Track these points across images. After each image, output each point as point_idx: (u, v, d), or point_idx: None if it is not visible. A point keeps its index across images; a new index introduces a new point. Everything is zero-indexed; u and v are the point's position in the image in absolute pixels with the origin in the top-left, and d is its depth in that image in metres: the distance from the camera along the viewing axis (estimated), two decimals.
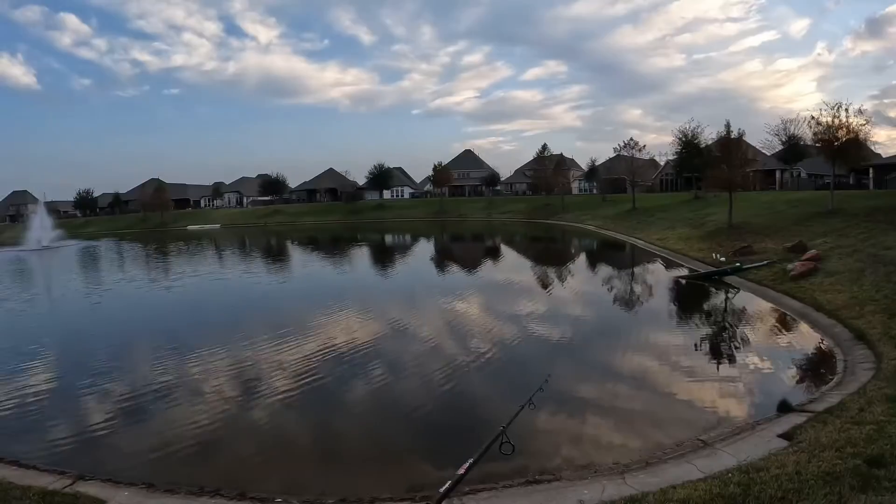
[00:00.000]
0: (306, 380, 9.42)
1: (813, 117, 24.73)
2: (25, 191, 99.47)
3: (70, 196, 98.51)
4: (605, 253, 30.47)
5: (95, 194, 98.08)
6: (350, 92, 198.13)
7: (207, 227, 71.57)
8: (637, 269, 23.18)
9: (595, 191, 67.88)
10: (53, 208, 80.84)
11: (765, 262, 17.39)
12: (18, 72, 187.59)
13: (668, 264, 22.21)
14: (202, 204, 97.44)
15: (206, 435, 7.48)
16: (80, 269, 30.78)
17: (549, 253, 31.34)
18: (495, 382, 9.20)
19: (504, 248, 34.36)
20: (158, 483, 6.17)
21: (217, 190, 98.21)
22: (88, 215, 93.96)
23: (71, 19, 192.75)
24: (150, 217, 78.27)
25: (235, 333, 12.48)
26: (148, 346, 11.97)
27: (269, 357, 10.69)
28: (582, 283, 19.68)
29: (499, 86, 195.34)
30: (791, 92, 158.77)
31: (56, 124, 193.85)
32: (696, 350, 10.78)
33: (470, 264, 25.55)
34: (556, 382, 8.47)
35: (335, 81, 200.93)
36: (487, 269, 24.40)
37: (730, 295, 15.95)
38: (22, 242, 52.17)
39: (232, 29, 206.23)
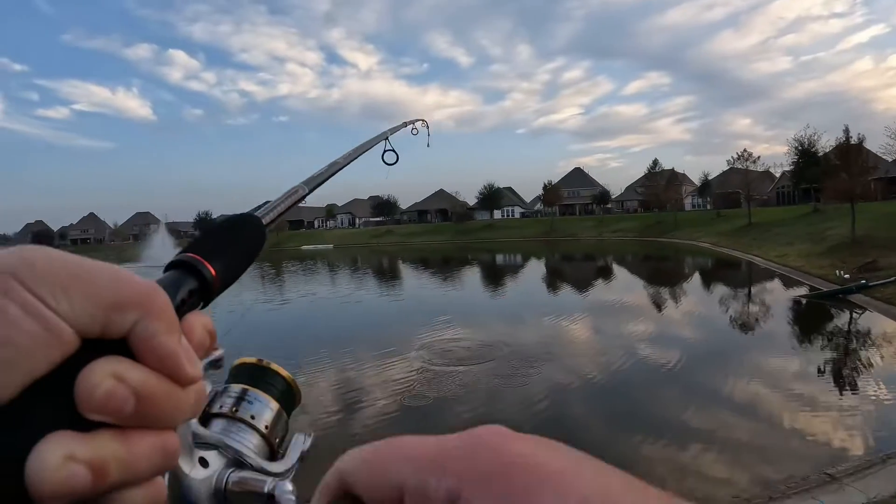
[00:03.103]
0: (414, 393, 9.81)
1: None
2: (148, 212, 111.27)
3: (189, 217, 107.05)
4: (720, 272, 29.95)
5: (214, 216, 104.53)
6: (453, 114, 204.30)
7: (321, 247, 75.40)
8: (754, 289, 22.75)
9: (708, 206, 66.04)
10: (174, 228, 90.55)
11: (893, 278, 16.42)
12: (135, 104, 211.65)
13: (787, 283, 21.70)
14: (316, 225, 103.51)
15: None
16: None
17: (661, 272, 31.24)
18: (597, 408, 9.23)
19: (615, 268, 34.54)
20: None
21: (330, 211, 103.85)
22: None
23: (179, 55, 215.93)
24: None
25: (377, 348, 13.33)
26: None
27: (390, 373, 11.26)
28: (696, 303, 19.48)
29: (601, 101, 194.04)
30: None
31: (173, 151, 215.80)
32: (819, 375, 10.32)
33: (580, 284, 25.96)
34: (666, 409, 8.64)
35: (437, 104, 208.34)
36: (598, 289, 24.55)
37: (855, 315, 15.20)
38: (145, 259, 56.44)
39: (332, 58, 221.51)
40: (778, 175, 59.71)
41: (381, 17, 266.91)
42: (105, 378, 0.25)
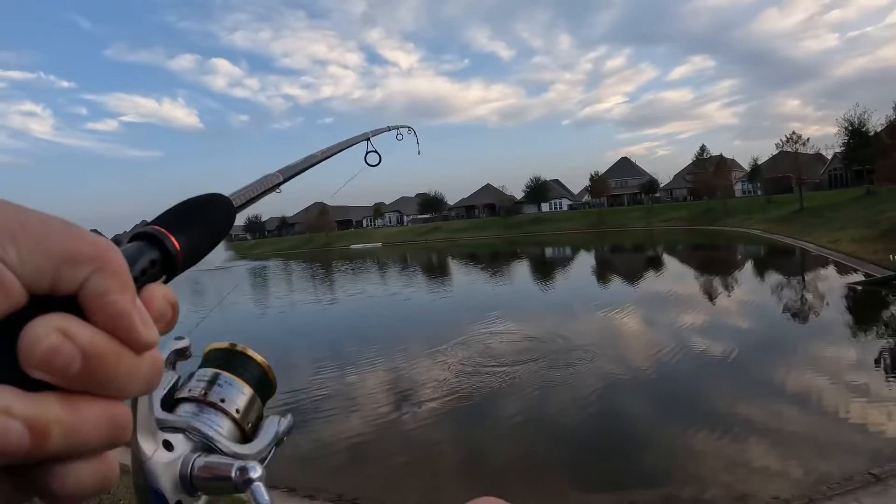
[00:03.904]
0: (464, 391, 9.81)
1: None
2: None
3: (240, 220, 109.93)
4: (773, 259, 29.88)
5: (263, 219, 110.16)
6: (497, 108, 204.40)
7: (370, 245, 76.81)
8: (807, 276, 22.70)
9: (759, 192, 65.03)
10: None
11: None
12: (181, 114, 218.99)
13: (841, 269, 21.56)
14: (364, 224, 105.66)
15: (356, 444, 7.97)
16: (251, 287, 35.84)
17: (713, 261, 31.25)
18: (648, 401, 9.17)
19: (666, 258, 34.67)
20: (300, 488, 6.50)
21: (378, 210, 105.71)
22: (258, 238, 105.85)
23: (222, 63, 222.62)
24: (315, 238, 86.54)
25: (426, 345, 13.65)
26: (309, 356, 13.64)
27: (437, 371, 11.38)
28: (748, 292, 19.47)
29: (645, 88, 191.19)
30: None
31: (221, 156, 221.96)
32: (871, 367, 9.84)
33: (631, 276, 26.12)
34: (714, 400, 8.65)
35: (480, 99, 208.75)
36: (649, 280, 24.65)
37: None
38: (199, 264, 59.59)
39: (373, 58, 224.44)
40: (829, 157, 58.38)
41: (419, 14, 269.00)
42: (50, 332, 0.23)
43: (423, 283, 31.03)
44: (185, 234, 0.41)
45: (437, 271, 37.62)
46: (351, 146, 1.18)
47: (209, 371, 0.55)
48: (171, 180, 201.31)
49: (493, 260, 42.14)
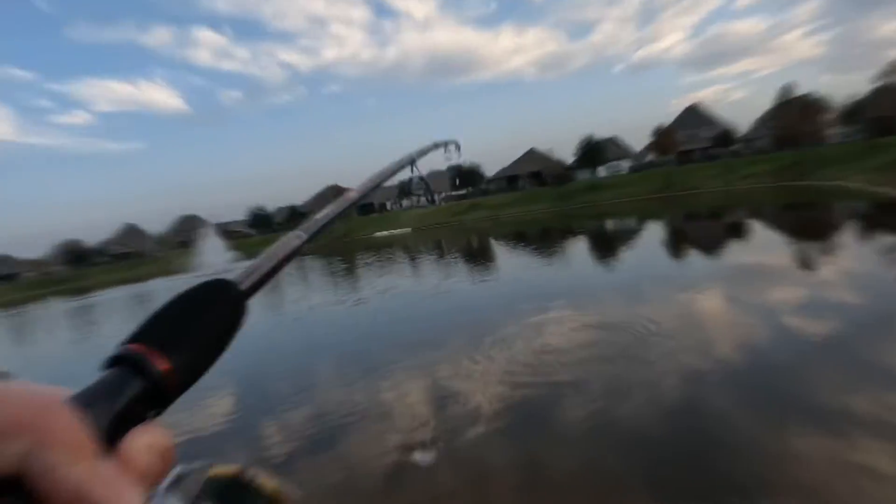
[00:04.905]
0: (518, 395, 8.70)
1: None
2: (195, 215, 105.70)
3: (242, 214, 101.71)
4: (876, 219, 25.23)
5: (269, 210, 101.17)
6: (534, 58, 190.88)
7: (397, 232, 70.56)
8: None
9: (858, 136, 56.99)
10: (226, 229, 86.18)
11: None
12: (162, 96, 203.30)
13: None
14: (388, 206, 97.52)
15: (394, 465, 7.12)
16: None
17: (803, 226, 26.61)
18: (744, 395, 7.78)
19: (750, 225, 29.91)
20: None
21: (403, 189, 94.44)
22: (265, 232, 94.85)
23: (204, 33, 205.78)
24: (332, 228, 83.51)
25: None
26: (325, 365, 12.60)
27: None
28: (852, 262, 16.28)
29: (710, 20, 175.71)
30: None
31: (214, 142, 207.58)
32: None
33: (708, 248, 22.51)
34: (815, 395, 7.43)
35: (514, 48, 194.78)
36: (729, 252, 21.34)
37: None
38: (194, 268, 54.05)
39: (382, 10, 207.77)
40: None
41: None
42: None
43: (463, 272, 27.23)
44: (177, 347, 0.33)
45: (477, 257, 33.75)
46: (394, 174, 1.07)
47: None
48: (156, 175, 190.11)
49: (543, 239, 37.99)
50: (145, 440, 0.26)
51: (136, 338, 0.32)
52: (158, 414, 0.31)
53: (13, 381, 0.26)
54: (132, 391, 0.29)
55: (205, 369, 0.36)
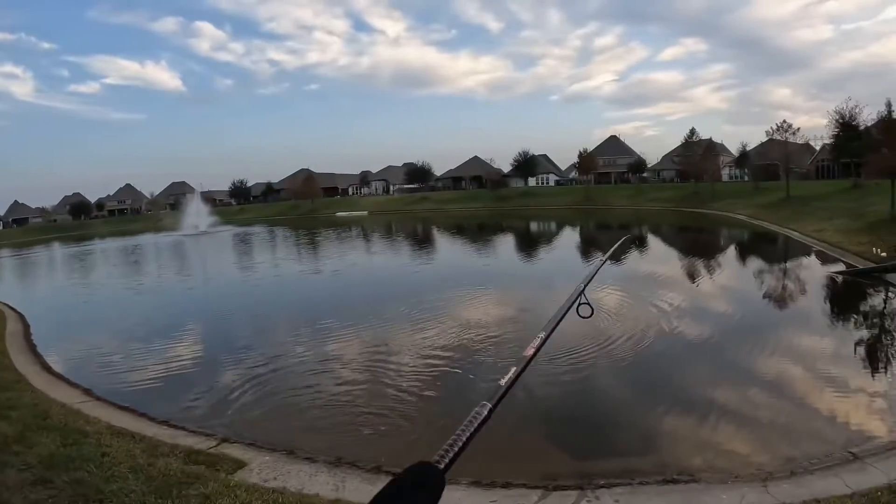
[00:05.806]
0: (456, 361, 10.20)
1: None
2: (184, 181, 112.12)
3: (225, 186, 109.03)
4: (756, 245, 29.89)
5: (249, 184, 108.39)
6: (485, 80, 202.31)
7: (356, 213, 76.49)
8: (789, 264, 22.78)
9: (746, 178, 65.05)
10: (209, 197, 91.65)
11: None
12: (165, 76, 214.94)
13: (824, 259, 21.50)
14: (350, 192, 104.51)
15: (352, 409, 8.15)
16: (232, 251, 37.06)
17: (696, 244, 31.35)
18: (619, 378, 9.30)
19: (650, 239, 34.61)
20: (299, 451, 6.56)
21: (364, 178, 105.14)
22: (242, 203, 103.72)
23: (206, 27, 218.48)
24: (301, 205, 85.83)
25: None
26: (289, 323, 14.35)
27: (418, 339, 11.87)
28: (729, 277, 19.54)
29: (636, 68, 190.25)
30: None
31: (206, 121, 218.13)
32: (850, 355, 10.05)
33: (614, 254, 25.10)
34: (693, 383, 8.82)
35: (469, 70, 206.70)
36: (632, 259, 24.53)
37: (891, 294, 14.94)
38: (181, 228, 60.19)
39: (360, 25, 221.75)
40: (818, 148, 58.51)
41: None
42: None
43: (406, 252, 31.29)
44: None
45: (422, 241, 37.71)
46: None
47: None
48: (155, 144, 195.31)
49: (478, 232, 42.26)
50: None
51: None
52: None
53: None
54: None
55: None
